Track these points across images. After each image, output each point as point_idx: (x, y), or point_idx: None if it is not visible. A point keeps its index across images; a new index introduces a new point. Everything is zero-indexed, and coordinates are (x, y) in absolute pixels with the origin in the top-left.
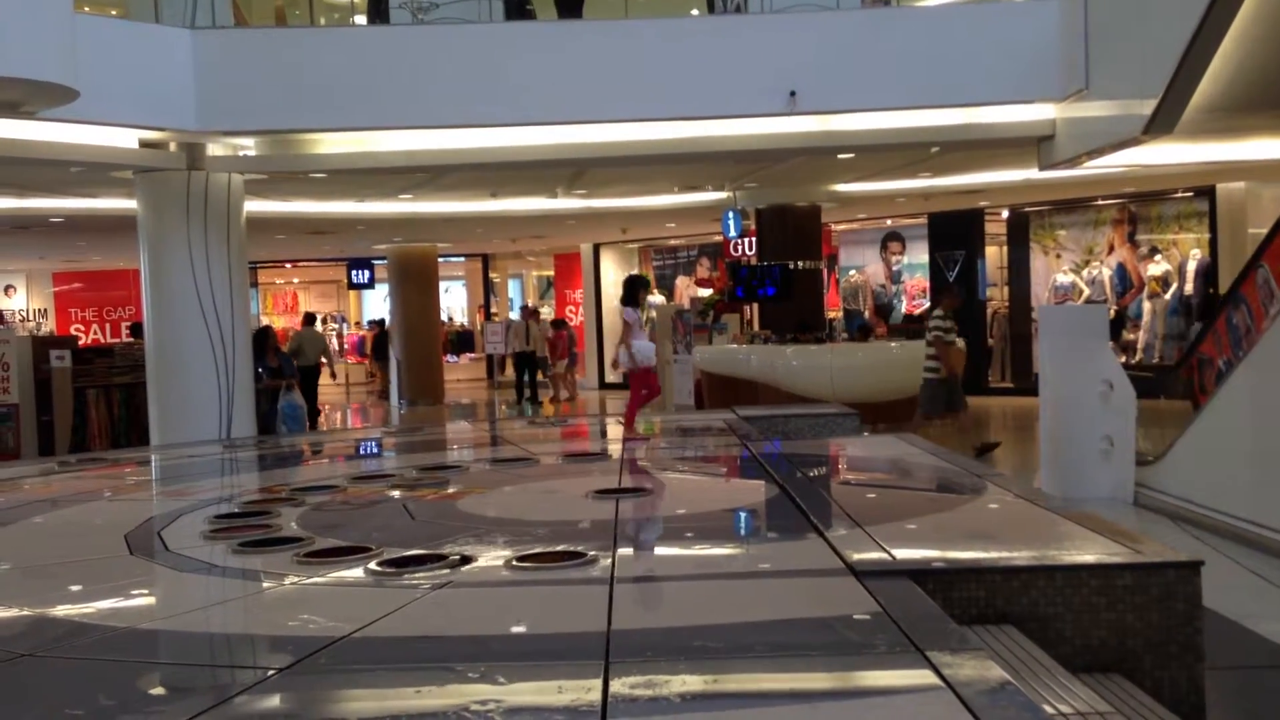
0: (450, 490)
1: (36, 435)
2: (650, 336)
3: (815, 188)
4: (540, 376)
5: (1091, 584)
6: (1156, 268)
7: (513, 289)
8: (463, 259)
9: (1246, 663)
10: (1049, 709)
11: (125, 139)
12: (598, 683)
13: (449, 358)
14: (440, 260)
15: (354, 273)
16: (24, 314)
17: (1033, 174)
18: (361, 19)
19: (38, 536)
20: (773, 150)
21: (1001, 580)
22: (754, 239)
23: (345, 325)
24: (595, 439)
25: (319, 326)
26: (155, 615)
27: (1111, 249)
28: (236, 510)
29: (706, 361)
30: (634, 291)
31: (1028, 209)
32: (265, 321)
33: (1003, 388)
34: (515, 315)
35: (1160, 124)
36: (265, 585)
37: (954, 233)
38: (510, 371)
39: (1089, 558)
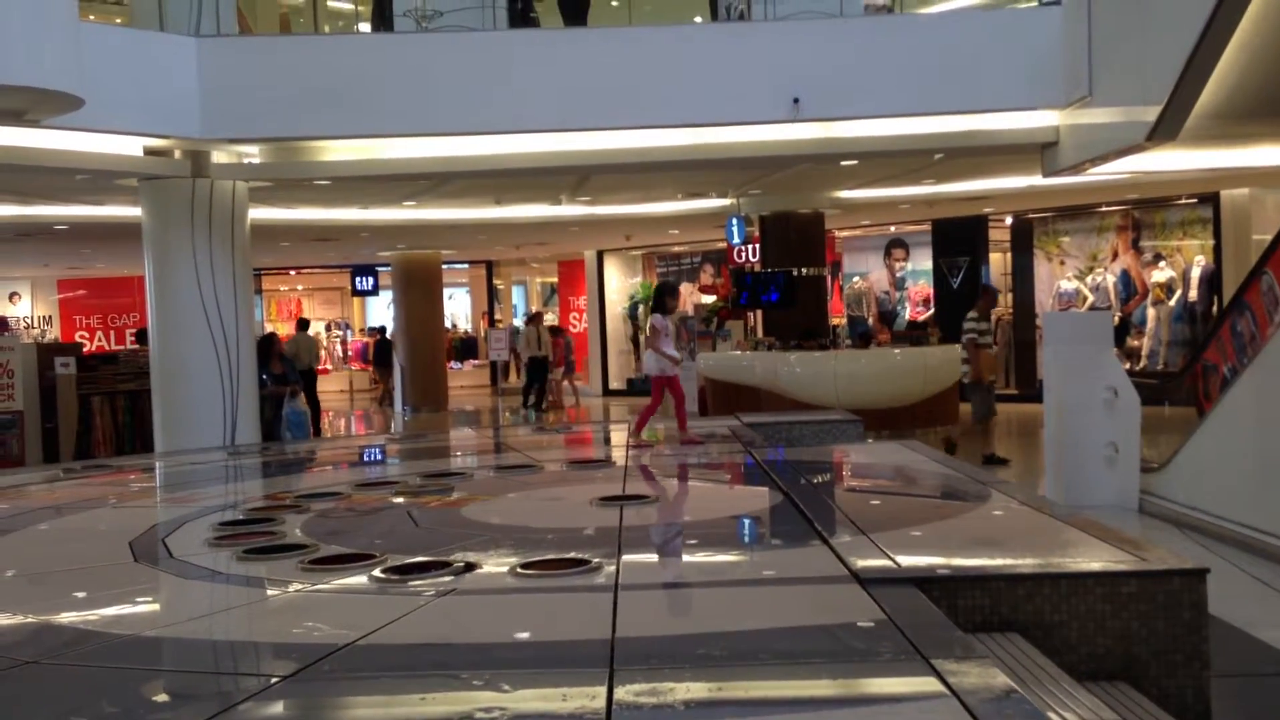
0: (454, 497)
1: (41, 442)
2: (661, 345)
3: (819, 194)
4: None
5: (1097, 591)
6: (1161, 274)
7: (516, 296)
8: (466, 266)
9: (1252, 670)
10: (1054, 717)
11: (130, 147)
12: (602, 690)
13: (453, 364)
14: (444, 267)
15: (358, 279)
16: (29, 321)
17: (1037, 180)
18: (366, 27)
19: (42, 543)
20: (776, 157)
21: (1006, 588)
22: (757, 246)
23: (349, 332)
24: (599, 446)
25: (320, 331)
26: (159, 622)
27: (1116, 255)
28: (241, 517)
29: (710, 368)
30: (661, 299)
31: (1032, 215)
32: (269, 328)
33: (1007, 394)
34: (518, 322)
35: (1164, 130)
36: (269, 592)
37: (958, 239)
38: (514, 378)
39: (1094, 565)
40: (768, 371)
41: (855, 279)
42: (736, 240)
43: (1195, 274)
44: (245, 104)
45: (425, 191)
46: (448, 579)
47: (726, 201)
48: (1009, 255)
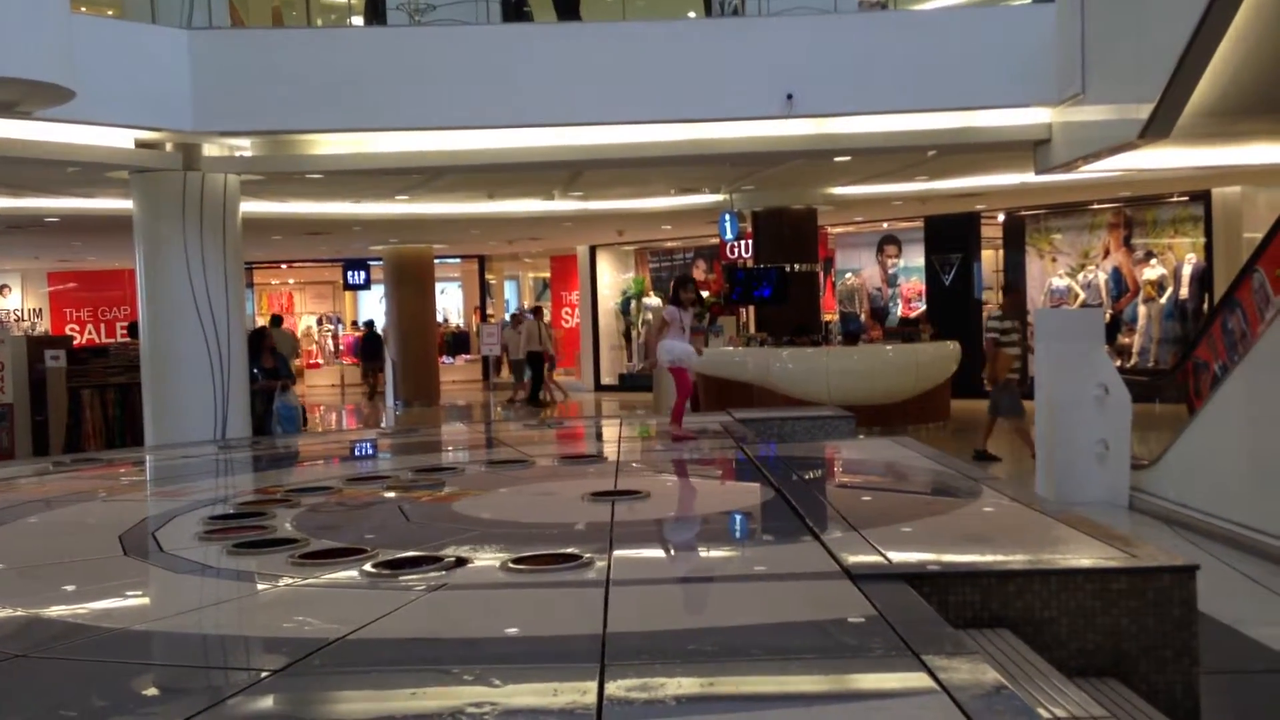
0: (446, 492)
1: (31, 435)
2: (671, 336)
3: (812, 190)
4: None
5: (1087, 588)
6: (1152, 272)
7: (509, 290)
8: (459, 260)
9: (1241, 667)
10: (1044, 713)
11: (121, 139)
12: (593, 685)
13: (445, 359)
14: (436, 261)
15: (350, 274)
16: (19, 314)
17: (1029, 178)
18: (359, 20)
19: (32, 537)
20: (769, 153)
21: (997, 584)
22: (750, 241)
23: (341, 326)
24: (591, 441)
25: (311, 326)
26: (149, 616)
27: (1107, 253)
28: (231, 511)
29: (702, 364)
30: (676, 290)
31: (1024, 213)
32: (261, 322)
33: None
34: (511, 316)
35: (1156, 128)
36: (260, 587)
37: (950, 236)
38: (507, 373)
39: (1084, 562)
40: (760, 367)
41: (848, 275)
42: (729, 236)
43: (1186, 271)
44: (237, 97)
45: (417, 186)
46: (439, 574)
47: (719, 197)
48: (1001, 252)
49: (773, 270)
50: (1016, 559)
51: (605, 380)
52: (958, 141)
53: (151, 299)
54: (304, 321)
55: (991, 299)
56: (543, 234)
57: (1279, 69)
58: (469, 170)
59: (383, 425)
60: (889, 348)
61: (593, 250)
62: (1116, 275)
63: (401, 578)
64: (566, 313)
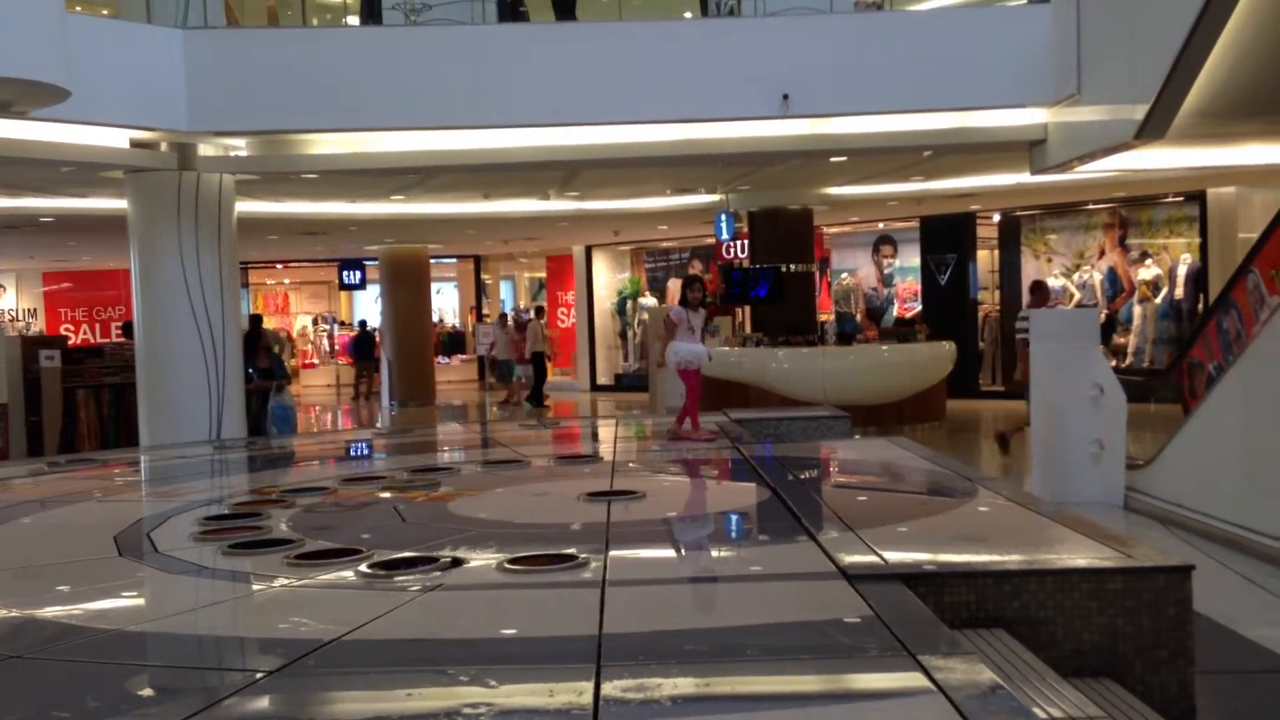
0: (441, 492)
1: (25, 436)
2: (679, 337)
3: (808, 191)
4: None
5: (1083, 588)
6: (1147, 272)
7: (504, 290)
8: (454, 260)
9: (1237, 667)
10: (1040, 713)
11: (116, 139)
12: (589, 685)
13: (440, 359)
14: (432, 261)
15: (345, 273)
16: (14, 314)
17: (1024, 178)
18: (354, 20)
19: (26, 537)
20: (765, 153)
21: (993, 584)
22: (746, 242)
23: (336, 326)
24: (587, 441)
25: (307, 326)
26: (144, 617)
27: (1102, 253)
28: (226, 512)
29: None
30: (684, 290)
31: (1019, 213)
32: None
33: (994, 391)
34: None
35: (1152, 129)
36: (255, 587)
37: (946, 236)
38: (491, 374)
39: (1080, 562)
40: (756, 367)
41: (844, 275)
42: (725, 236)
43: (1181, 272)
44: (232, 97)
45: (413, 185)
46: (434, 574)
47: (716, 197)
48: (996, 252)
49: (769, 270)
50: (1012, 559)
51: (601, 380)
52: (953, 142)
53: (146, 299)
54: (299, 321)
55: (987, 299)
56: (538, 234)
57: (1274, 70)
58: (464, 170)
59: (376, 425)
60: (885, 348)
61: (588, 250)
62: (1112, 275)
63: (397, 578)
64: (562, 313)
